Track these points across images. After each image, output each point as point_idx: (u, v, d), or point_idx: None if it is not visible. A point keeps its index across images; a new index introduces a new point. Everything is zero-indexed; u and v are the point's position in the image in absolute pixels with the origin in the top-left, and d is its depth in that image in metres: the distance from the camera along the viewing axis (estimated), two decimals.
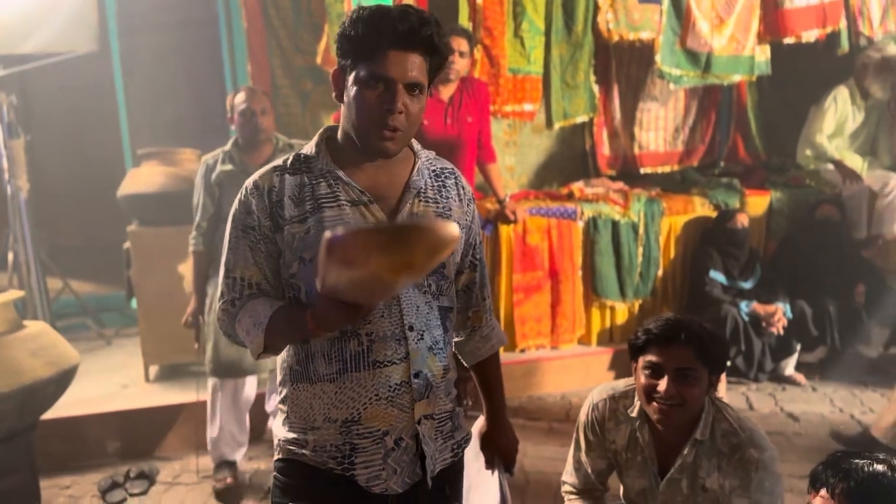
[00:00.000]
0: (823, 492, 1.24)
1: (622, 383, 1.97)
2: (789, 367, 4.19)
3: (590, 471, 1.98)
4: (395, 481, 1.42)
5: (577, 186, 4.57)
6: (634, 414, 1.88)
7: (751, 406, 3.90)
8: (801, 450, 3.32)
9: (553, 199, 4.41)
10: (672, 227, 4.40)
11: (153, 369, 3.93)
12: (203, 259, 3.16)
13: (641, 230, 4.28)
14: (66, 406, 3.24)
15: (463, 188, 1.53)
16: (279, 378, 1.50)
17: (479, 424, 1.70)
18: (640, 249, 4.30)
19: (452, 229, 1.06)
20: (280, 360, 1.49)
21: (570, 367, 4.16)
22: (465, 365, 1.68)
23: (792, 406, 3.86)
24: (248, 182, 1.44)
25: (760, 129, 5.42)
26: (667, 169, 5.10)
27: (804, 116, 4.93)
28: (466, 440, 1.54)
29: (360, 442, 1.41)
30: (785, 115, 5.27)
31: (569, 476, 2.04)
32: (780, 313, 4.01)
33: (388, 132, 1.34)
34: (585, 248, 4.24)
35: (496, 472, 1.69)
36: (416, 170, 1.45)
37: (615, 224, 4.25)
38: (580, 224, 4.21)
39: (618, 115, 4.89)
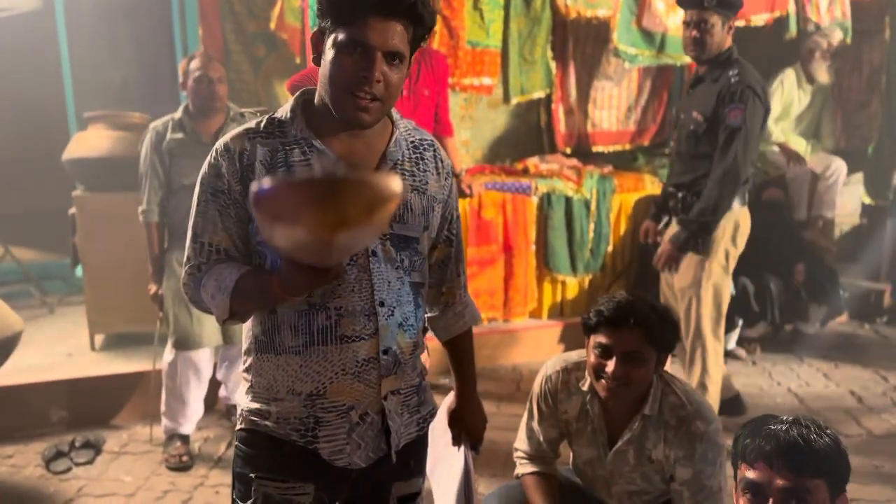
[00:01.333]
0: (759, 463, 1.28)
1: (575, 355, 2.02)
2: (731, 341, 4.33)
3: (541, 439, 2.03)
4: (358, 455, 1.42)
5: (532, 162, 4.61)
6: (585, 388, 1.93)
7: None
8: (740, 421, 3.46)
9: (508, 175, 4.44)
10: (623, 205, 4.48)
11: (99, 338, 3.85)
12: (158, 230, 3.09)
13: (593, 207, 4.35)
14: (9, 374, 3.16)
15: (442, 161, 1.49)
16: (244, 346, 1.48)
17: (448, 400, 1.71)
18: (592, 225, 4.37)
19: (393, 184, 1.00)
20: (246, 328, 1.46)
21: (522, 340, 4.23)
22: (438, 340, 1.68)
23: (733, 379, 4.00)
24: (219, 144, 1.40)
25: None
26: (619, 147, 5.17)
27: None
28: (432, 414, 1.54)
29: (324, 415, 1.39)
30: None
31: (521, 443, 2.09)
32: None
33: (364, 101, 1.30)
34: (539, 223, 4.29)
35: (462, 449, 1.70)
36: (393, 140, 1.41)
37: (568, 200, 4.30)
38: (534, 199, 4.25)
39: (573, 92, 4.93)
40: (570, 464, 2.10)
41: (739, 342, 4.38)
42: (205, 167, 1.41)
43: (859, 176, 5.28)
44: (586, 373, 1.93)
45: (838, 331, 4.78)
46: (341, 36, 1.29)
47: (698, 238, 3.07)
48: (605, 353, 1.80)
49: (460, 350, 1.66)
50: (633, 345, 1.78)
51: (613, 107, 5.14)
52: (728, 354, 4.31)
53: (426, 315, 1.61)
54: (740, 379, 4.01)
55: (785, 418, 1.33)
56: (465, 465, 1.71)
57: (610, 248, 4.47)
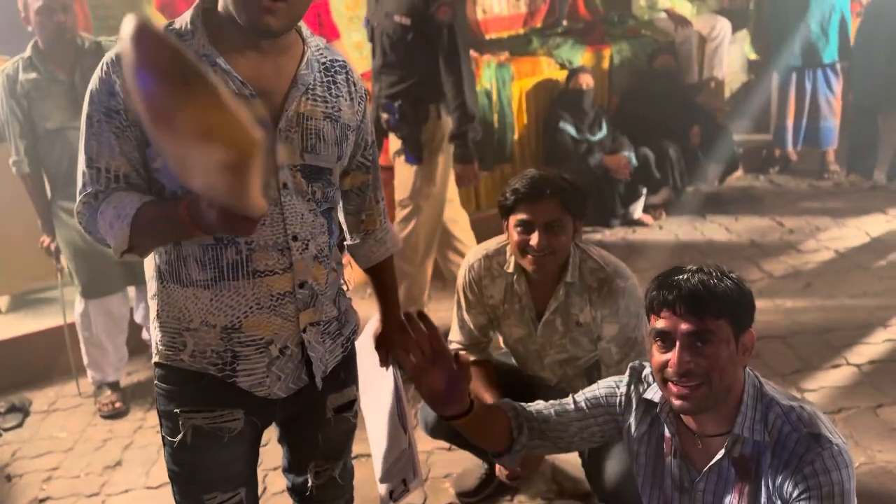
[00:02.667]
0: (665, 312, 1.37)
1: (493, 242, 2.07)
2: (637, 210, 4.52)
3: (472, 326, 2.10)
4: (278, 387, 1.39)
5: None
6: (511, 269, 2.00)
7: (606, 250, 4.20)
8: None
9: None
10: (522, 91, 4.48)
11: (3, 300, 3.67)
12: (34, 180, 2.90)
13: (494, 97, 4.33)
14: None
15: (355, 84, 1.40)
16: (147, 273, 1.39)
17: (372, 324, 1.71)
18: (495, 116, 4.37)
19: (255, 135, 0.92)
20: (147, 259, 1.37)
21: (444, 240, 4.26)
22: (359, 267, 1.63)
23: (642, 245, 4.21)
24: (109, 57, 1.24)
25: None
26: (512, 33, 5.11)
27: None
28: (354, 331, 1.53)
29: (241, 350, 1.34)
30: None
31: (455, 335, 2.15)
32: (625, 161, 4.28)
33: (268, 2, 1.17)
34: None
35: (391, 369, 1.72)
36: (304, 62, 1.30)
37: None
38: None
39: None
40: (502, 344, 2.18)
41: (645, 209, 4.56)
42: (94, 83, 1.25)
43: (744, 33, 5.43)
44: (508, 255, 1.99)
45: (736, 186, 5.05)
46: None
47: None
48: (526, 227, 1.87)
49: (383, 276, 1.63)
50: (553, 214, 1.85)
51: None
52: (635, 223, 4.50)
53: (346, 243, 1.58)
54: (648, 245, 4.22)
55: (689, 268, 1.39)
56: (395, 385, 1.73)
57: (516, 137, 4.49)
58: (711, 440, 1.41)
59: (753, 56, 5.48)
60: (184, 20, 1.27)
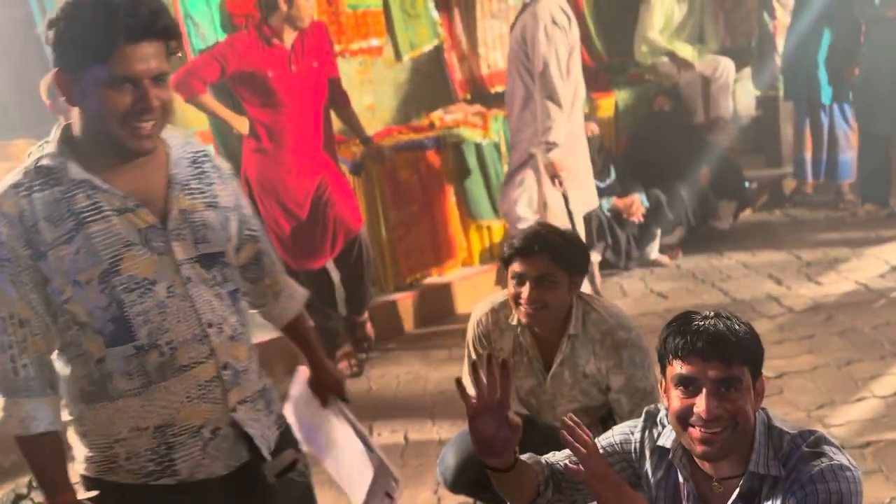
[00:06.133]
0: (690, 357, 1.34)
1: (500, 295, 2.12)
2: (654, 251, 4.53)
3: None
4: (217, 466, 1.42)
5: (437, 115, 4.63)
6: (515, 322, 2.04)
7: (624, 292, 4.22)
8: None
9: (416, 132, 4.45)
10: None
11: None
12: None
13: (504, 148, 4.43)
14: None
15: (219, 168, 1.50)
16: (66, 398, 1.40)
17: (301, 377, 1.82)
18: (505, 167, 4.45)
19: None
20: (65, 381, 1.39)
21: (459, 290, 4.31)
22: (277, 328, 1.72)
23: (660, 285, 4.21)
24: None
25: (599, 32, 5.63)
26: None
27: (636, 15, 5.17)
28: (281, 413, 1.60)
29: (174, 440, 1.38)
30: (619, 16, 5.51)
31: (469, 389, 2.17)
32: (637, 203, 4.33)
33: (145, 130, 1.29)
34: (454, 174, 4.35)
35: (336, 407, 1.81)
36: (173, 162, 1.40)
37: (478, 146, 4.37)
38: (445, 152, 4.30)
39: (463, 38, 4.95)
40: (516, 398, 2.20)
41: (661, 250, 4.58)
42: None
43: (747, 71, 5.50)
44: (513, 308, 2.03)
45: (751, 221, 5.06)
46: (102, 74, 1.25)
47: None
48: (520, 280, 1.93)
49: (301, 327, 1.73)
50: (543, 268, 1.91)
51: (505, 45, 5.17)
52: (653, 263, 4.51)
53: (260, 311, 1.66)
54: (667, 284, 4.22)
55: (706, 313, 1.39)
56: (345, 416, 1.81)
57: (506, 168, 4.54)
58: (728, 483, 1.42)
59: (759, 92, 5.54)
60: (49, 155, 1.32)
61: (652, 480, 1.52)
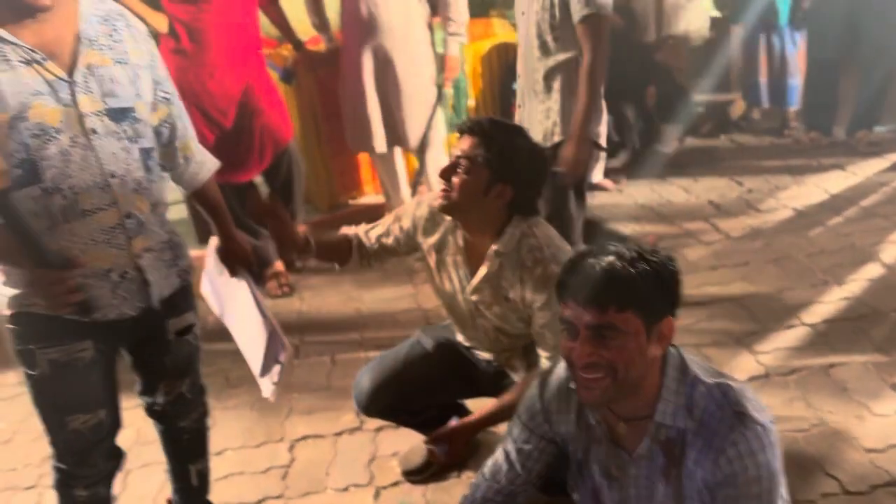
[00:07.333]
0: (569, 300, 1.27)
1: None
2: (597, 174, 4.43)
3: (387, 229, 2.05)
4: (126, 306, 1.58)
5: None
6: (449, 220, 1.91)
7: None
8: None
9: None
10: (477, 55, 4.36)
11: None
12: None
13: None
14: None
15: (135, 27, 1.56)
16: None
17: (212, 244, 1.90)
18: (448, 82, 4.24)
19: None
20: None
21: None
22: (184, 191, 1.81)
23: (600, 210, 4.14)
24: None
25: None
26: None
27: None
28: (189, 266, 1.74)
29: (85, 281, 1.50)
30: None
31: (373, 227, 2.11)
32: None
33: None
34: None
35: (243, 279, 1.88)
36: (82, 17, 1.45)
37: None
38: None
39: None
40: (437, 296, 2.08)
41: (605, 174, 4.49)
42: None
43: None
44: None
45: (697, 146, 5.00)
46: None
47: None
48: (451, 162, 1.80)
49: (210, 195, 1.81)
50: (468, 149, 1.77)
51: None
52: (595, 187, 4.42)
53: (171, 176, 1.74)
54: (607, 209, 4.15)
55: (600, 251, 1.28)
56: (250, 289, 1.88)
57: (472, 103, 4.38)
58: (639, 425, 1.35)
59: (716, 13, 5.38)
60: None
61: (568, 430, 1.46)
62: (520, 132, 1.84)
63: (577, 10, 2.46)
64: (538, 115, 2.68)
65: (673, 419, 1.30)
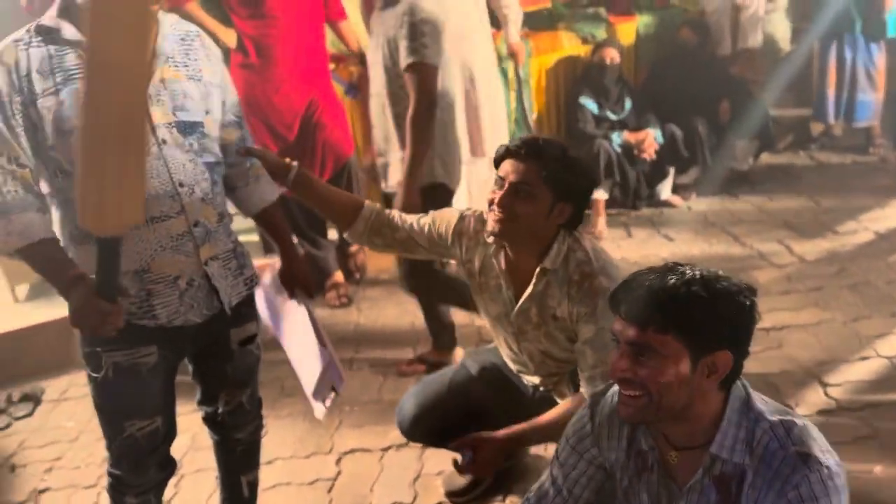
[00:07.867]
0: (617, 315, 1.23)
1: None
2: (665, 191, 4.32)
3: (431, 226, 1.92)
4: (193, 314, 1.63)
5: None
6: (490, 240, 1.83)
7: (629, 233, 4.03)
8: None
9: None
10: (542, 68, 4.31)
11: (21, 289, 3.71)
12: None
13: (511, 74, 4.18)
14: None
15: (210, 48, 1.67)
16: (62, 241, 1.57)
17: (273, 268, 1.91)
18: (513, 94, 4.22)
19: None
20: (57, 226, 1.57)
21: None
22: (247, 215, 1.85)
23: (668, 228, 4.02)
24: None
25: None
26: (533, 7, 4.92)
27: None
28: (254, 275, 1.79)
29: (154, 287, 1.57)
30: None
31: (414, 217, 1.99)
32: (650, 138, 4.08)
33: None
34: None
35: (301, 300, 1.89)
36: (161, 36, 1.55)
37: None
38: None
39: None
40: (483, 318, 2.02)
41: (674, 190, 4.36)
42: None
43: (784, 1, 5.12)
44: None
45: (773, 163, 4.79)
46: None
47: None
48: (500, 185, 1.71)
49: (274, 217, 1.85)
50: (523, 176, 1.68)
51: None
52: (663, 204, 4.30)
53: (236, 195, 1.80)
54: (675, 227, 4.02)
55: (662, 269, 1.23)
56: (307, 311, 1.89)
57: (535, 116, 4.34)
58: (693, 455, 1.29)
59: (792, 24, 5.16)
60: (51, 17, 1.50)
61: (615, 459, 1.40)
62: (566, 147, 1.78)
63: (403, 59, 2.44)
64: (396, 165, 2.62)
65: (731, 453, 1.23)
